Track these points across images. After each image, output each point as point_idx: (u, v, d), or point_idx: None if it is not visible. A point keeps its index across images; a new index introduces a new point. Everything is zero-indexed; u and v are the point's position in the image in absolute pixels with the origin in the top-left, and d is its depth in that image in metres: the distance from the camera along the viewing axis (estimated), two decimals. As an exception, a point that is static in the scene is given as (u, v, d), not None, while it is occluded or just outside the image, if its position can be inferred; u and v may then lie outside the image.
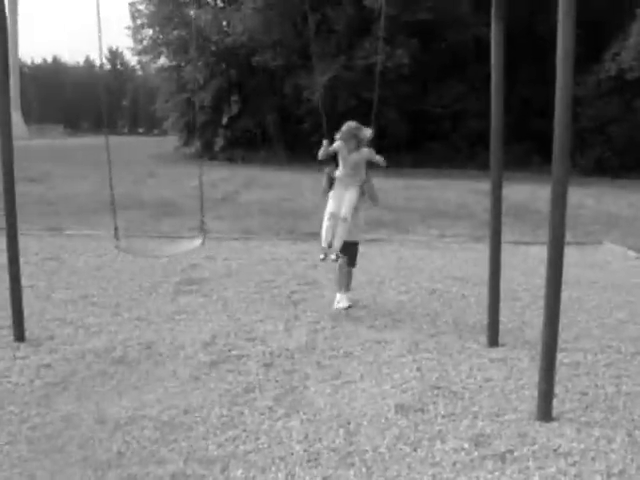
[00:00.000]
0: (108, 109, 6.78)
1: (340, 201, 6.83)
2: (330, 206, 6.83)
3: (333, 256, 6.72)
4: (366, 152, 6.87)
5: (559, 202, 4.42)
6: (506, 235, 11.54)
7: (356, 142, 6.79)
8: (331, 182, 6.99)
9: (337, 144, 6.85)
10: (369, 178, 7.04)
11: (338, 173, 6.95)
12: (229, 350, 5.88)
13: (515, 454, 4.05)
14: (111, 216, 6.54)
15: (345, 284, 7.16)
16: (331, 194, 6.93)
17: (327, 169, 7.03)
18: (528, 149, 32.10)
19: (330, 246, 6.75)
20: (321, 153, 6.88)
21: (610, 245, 11.65)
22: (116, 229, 6.52)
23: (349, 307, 6.97)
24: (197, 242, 6.48)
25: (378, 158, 6.87)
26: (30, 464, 3.86)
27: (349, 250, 6.97)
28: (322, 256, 6.77)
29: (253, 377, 5.26)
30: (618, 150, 30.25)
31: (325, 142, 6.86)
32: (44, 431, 4.27)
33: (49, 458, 3.92)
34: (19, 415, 4.50)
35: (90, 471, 3.77)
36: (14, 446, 4.06)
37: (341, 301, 7.04)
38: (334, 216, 6.75)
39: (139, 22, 42.17)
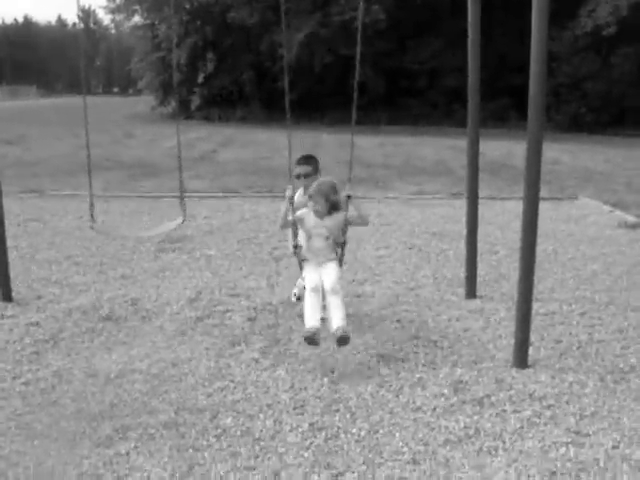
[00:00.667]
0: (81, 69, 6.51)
1: (320, 274, 5.01)
2: (309, 280, 4.96)
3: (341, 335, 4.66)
4: (342, 216, 5.11)
5: (534, 159, 4.56)
6: (483, 190, 11.68)
7: (329, 205, 5.03)
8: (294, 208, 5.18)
9: (302, 212, 5.15)
10: (353, 202, 5.15)
11: (305, 251, 5.19)
12: (214, 305, 6.01)
13: (492, 399, 4.23)
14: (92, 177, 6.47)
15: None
16: (304, 272, 5.14)
17: (288, 191, 5.15)
18: (505, 105, 32.25)
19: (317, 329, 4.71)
20: (281, 217, 5.20)
21: (586, 199, 11.86)
22: (91, 205, 5.81)
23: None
24: (178, 221, 6.10)
25: (361, 218, 5.19)
26: (25, 417, 3.98)
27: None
28: (310, 342, 4.67)
29: (238, 331, 5.40)
30: (594, 106, 30.44)
31: (288, 192, 5.14)
32: (37, 386, 4.38)
33: (44, 411, 4.05)
34: (11, 372, 4.61)
35: (84, 422, 3.90)
36: (9, 401, 4.18)
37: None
38: (316, 290, 4.86)
39: (112, -21, 41.61)
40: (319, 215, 5.06)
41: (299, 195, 5.59)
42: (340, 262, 5.19)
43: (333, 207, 5.06)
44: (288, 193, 5.13)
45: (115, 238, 8.28)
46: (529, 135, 4.55)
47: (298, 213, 5.15)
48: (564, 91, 30.67)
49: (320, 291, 4.87)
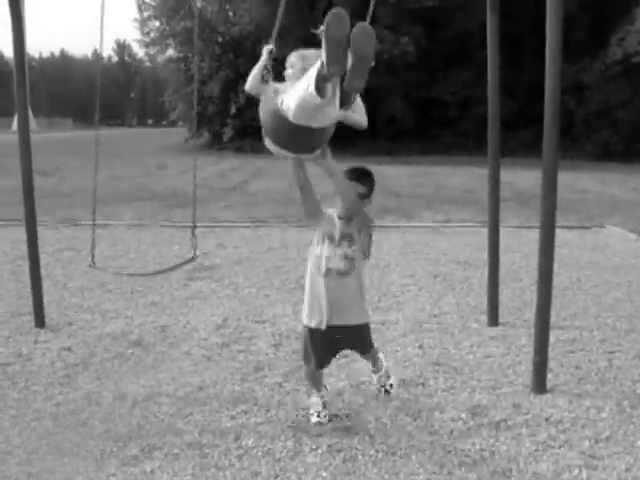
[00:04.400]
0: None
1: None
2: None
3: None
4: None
5: (550, 188, 4.69)
6: (511, 220, 11.90)
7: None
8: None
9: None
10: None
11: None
12: (240, 332, 6.16)
13: (509, 423, 4.31)
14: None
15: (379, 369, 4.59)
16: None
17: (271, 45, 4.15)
18: (535, 134, 32.24)
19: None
20: (251, 77, 4.11)
21: (612, 228, 11.88)
22: (93, 247, 5.91)
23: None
24: (187, 258, 5.79)
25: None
26: (56, 437, 4.14)
27: (359, 336, 4.35)
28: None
29: (263, 356, 5.54)
30: (625, 135, 30.37)
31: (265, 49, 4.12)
32: (68, 408, 4.56)
33: (73, 431, 4.21)
34: (43, 394, 4.79)
35: (112, 442, 4.06)
36: (40, 422, 4.35)
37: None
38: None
39: (146, 14, 42.47)
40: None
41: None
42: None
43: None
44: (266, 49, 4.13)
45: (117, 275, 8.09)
46: (544, 164, 4.68)
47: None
48: (594, 120, 30.67)
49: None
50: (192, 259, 5.65)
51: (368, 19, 4.44)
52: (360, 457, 3.89)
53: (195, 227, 5.60)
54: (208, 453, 3.93)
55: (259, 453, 3.93)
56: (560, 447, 4.00)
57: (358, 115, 3.83)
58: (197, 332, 6.16)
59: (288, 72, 3.87)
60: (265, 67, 4.03)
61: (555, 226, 4.79)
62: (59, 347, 5.73)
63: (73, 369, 5.25)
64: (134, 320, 6.51)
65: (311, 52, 3.75)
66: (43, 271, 6.59)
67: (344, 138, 27.07)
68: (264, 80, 4.00)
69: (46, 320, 6.36)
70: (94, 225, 5.83)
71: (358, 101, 3.78)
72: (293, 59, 3.86)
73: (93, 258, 5.80)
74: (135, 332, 6.14)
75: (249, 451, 3.95)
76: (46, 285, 6.82)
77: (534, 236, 10.96)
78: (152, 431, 4.21)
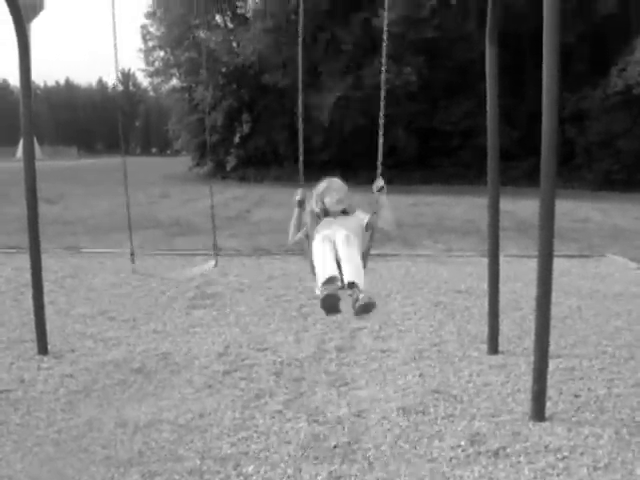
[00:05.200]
0: (121, 130, 6.81)
1: (334, 227, 4.73)
2: (321, 233, 4.71)
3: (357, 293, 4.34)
4: (361, 220, 4.94)
5: (548, 216, 4.75)
6: (511, 249, 11.96)
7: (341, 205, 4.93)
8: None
9: (309, 224, 4.91)
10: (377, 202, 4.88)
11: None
12: (241, 360, 6.20)
13: (508, 450, 4.34)
14: (126, 235, 6.79)
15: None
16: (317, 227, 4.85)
17: (299, 194, 4.96)
18: (536, 164, 32.28)
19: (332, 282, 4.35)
20: (291, 231, 5.02)
21: (613, 257, 11.92)
22: (132, 254, 6.23)
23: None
24: (211, 264, 6.38)
25: (387, 221, 4.89)
26: (57, 463, 4.18)
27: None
28: (327, 291, 4.26)
29: (264, 384, 5.57)
30: (626, 164, 30.49)
31: (299, 192, 4.93)
32: (69, 434, 4.59)
33: (75, 457, 4.25)
34: (45, 420, 4.83)
35: (113, 468, 4.09)
36: (42, 447, 4.39)
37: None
38: (328, 238, 4.56)
39: (150, 44, 42.93)
40: (333, 215, 4.87)
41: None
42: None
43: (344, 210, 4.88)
44: (299, 194, 4.88)
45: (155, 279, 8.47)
46: (542, 193, 4.76)
47: (308, 227, 4.87)
48: (595, 149, 30.83)
49: (332, 242, 4.49)
50: (215, 265, 6.08)
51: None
52: (359, 484, 3.92)
53: (216, 244, 6.06)
54: (209, 479, 3.96)
55: (259, 480, 3.97)
56: (558, 475, 4.02)
57: (382, 222, 4.85)
58: (198, 359, 6.20)
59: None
60: (298, 217, 4.91)
61: (553, 254, 4.86)
62: (61, 374, 5.77)
63: (75, 395, 5.29)
64: (136, 347, 6.55)
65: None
66: (46, 298, 6.65)
67: (345, 167, 27.15)
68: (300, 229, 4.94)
69: (49, 347, 6.39)
70: (131, 237, 6.19)
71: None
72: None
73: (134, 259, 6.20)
74: (137, 359, 6.18)
75: (249, 478, 3.98)
76: (49, 312, 6.87)
77: (534, 265, 11.03)
78: (153, 457, 4.24)
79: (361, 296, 4.24)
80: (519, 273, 10.10)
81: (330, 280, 4.29)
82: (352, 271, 4.33)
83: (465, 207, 21.46)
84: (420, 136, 34.55)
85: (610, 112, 30.30)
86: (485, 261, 6.58)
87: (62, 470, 4.09)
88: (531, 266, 10.73)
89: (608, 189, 29.52)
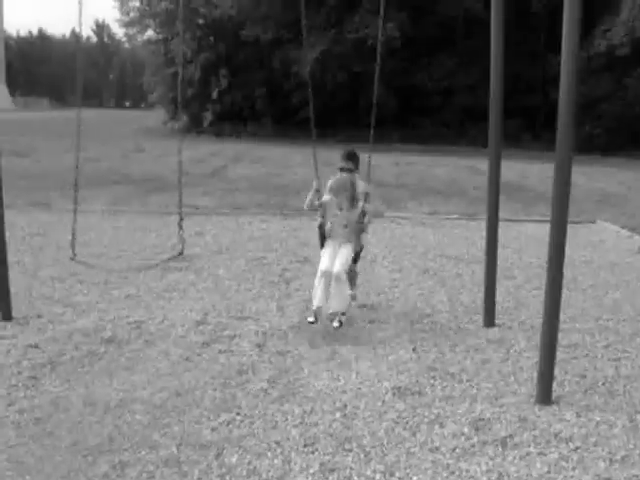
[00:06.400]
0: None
1: (333, 257, 5.83)
2: (322, 263, 5.78)
3: (333, 319, 5.71)
4: (360, 208, 5.98)
5: (563, 188, 4.37)
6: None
7: (350, 198, 5.90)
8: (324, 236, 6.11)
9: (325, 198, 6.01)
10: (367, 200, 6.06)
11: (328, 228, 6.06)
12: (221, 330, 5.76)
13: (516, 439, 3.96)
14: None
15: (337, 300, 5.80)
16: (323, 251, 5.98)
17: (319, 220, 6.09)
18: (518, 126, 31.98)
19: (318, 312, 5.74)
20: (307, 202, 6.13)
21: (603, 224, 11.59)
22: (73, 238, 5.70)
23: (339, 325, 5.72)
24: (174, 253, 5.72)
25: (378, 210, 5.92)
26: (18, 450, 3.72)
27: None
28: (311, 319, 5.68)
29: (246, 358, 5.14)
30: (608, 127, 30.21)
31: (315, 183, 6.07)
32: (32, 415, 4.13)
33: (38, 443, 3.80)
34: (6, 397, 4.36)
35: (80, 457, 3.65)
36: (1, 430, 3.93)
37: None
38: (326, 275, 5.67)
39: (126, -7, 41.73)
40: (340, 207, 5.93)
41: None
42: (355, 259, 6.11)
43: (353, 200, 5.91)
44: (315, 184, 6.03)
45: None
46: (557, 157, 4.37)
47: (324, 198, 6.01)
48: (578, 112, 30.45)
49: (330, 276, 5.68)
50: (180, 254, 5.40)
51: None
52: (355, 477, 3.52)
53: (182, 219, 5.38)
54: (187, 472, 3.53)
55: (244, 472, 3.54)
56: (574, 469, 3.65)
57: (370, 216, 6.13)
58: (175, 329, 5.75)
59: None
60: (314, 195, 6.05)
61: (566, 227, 4.44)
62: (26, 344, 5.28)
63: (40, 369, 4.82)
64: (107, 314, 6.08)
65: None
66: (11, 257, 6.15)
67: (324, 125, 26.57)
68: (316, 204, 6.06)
69: (13, 312, 5.91)
70: (75, 213, 5.44)
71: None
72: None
73: (74, 250, 5.47)
74: (108, 328, 5.72)
75: (232, 470, 3.56)
76: (14, 273, 6.40)
77: (524, 230, 10.77)
78: (125, 444, 3.80)
79: (337, 318, 5.70)
80: (509, 239, 9.70)
81: (317, 310, 5.73)
82: (336, 304, 5.72)
83: (448, 168, 21.05)
84: (400, 94, 33.92)
85: (593, 74, 29.86)
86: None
87: (23, 458, 3.63)
88: (521, 230, 10.42)
89: (587, 152, 29.23)
